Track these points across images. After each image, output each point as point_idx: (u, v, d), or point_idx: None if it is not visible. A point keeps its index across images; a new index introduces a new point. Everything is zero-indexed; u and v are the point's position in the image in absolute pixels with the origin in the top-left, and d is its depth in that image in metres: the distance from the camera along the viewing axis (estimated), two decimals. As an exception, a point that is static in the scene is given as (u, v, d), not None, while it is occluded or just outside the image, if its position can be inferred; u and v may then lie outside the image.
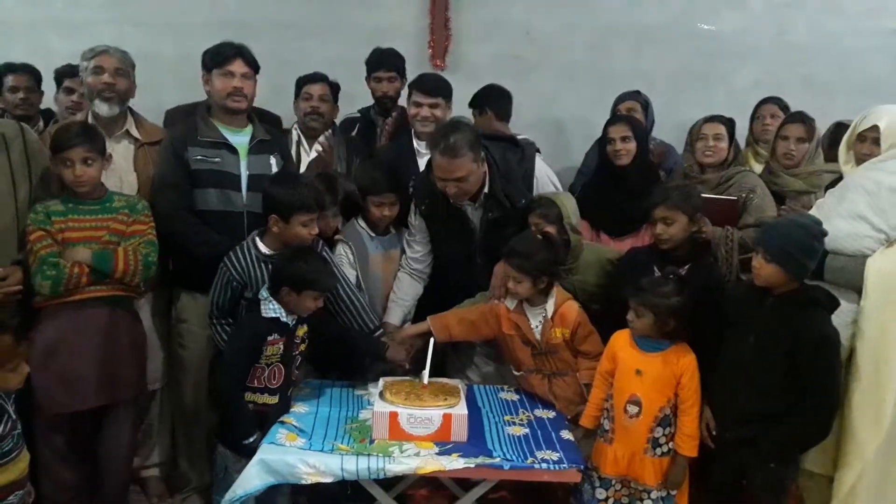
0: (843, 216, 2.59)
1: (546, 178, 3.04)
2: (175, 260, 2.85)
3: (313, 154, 3.41)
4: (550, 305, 2.69)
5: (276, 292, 2.51)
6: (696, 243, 2.75)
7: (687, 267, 2.68)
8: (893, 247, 2.51)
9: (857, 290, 2.51)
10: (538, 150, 3.10)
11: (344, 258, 2.98)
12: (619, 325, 2.56)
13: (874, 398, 2.46)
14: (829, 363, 2.35)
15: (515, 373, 2.86)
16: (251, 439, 2.41)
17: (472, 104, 3.76)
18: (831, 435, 2.45)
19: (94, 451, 2.81)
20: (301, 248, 2.61)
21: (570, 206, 2.86)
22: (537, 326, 2.71)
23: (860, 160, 2.70)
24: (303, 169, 3.32)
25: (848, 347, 2.51)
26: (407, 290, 3.08)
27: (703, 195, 3.08)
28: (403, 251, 3.12)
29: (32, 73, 3.60)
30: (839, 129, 3.61)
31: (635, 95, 3.84)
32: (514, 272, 2.65)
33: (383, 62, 3.63)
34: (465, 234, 2.95)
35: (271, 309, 2.50)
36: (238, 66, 2.88)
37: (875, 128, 2.64)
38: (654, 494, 2.49)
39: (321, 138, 3.31)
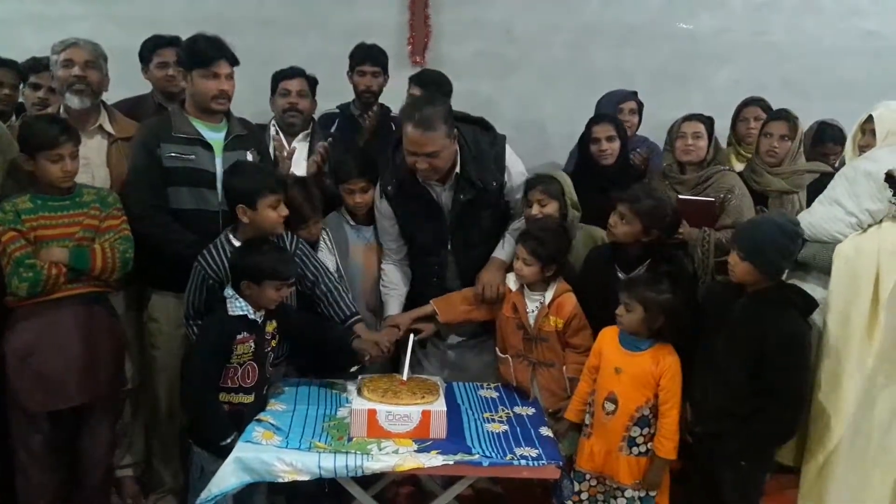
0: (822, 201, 2.67)
1: (516, 165, 2.93)
2: (146, 259, 2.79)
3: (295, 147, 3.35)
4: (550, 293, 2.72)
5: (237, 287, 2.47)
6: (651, 246, 2.69)
7: (648, 263, 2.67)
8: (864, 234, 2.55)
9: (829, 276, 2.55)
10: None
11: (322, 244, 2.95)
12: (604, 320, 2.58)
13: (836, 387, 2.49)
14: (795, 362, 2.34)
15: (500, 355, 2.86)
16: (229, 440, 2.36)
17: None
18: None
19: (71, 454, 2.75)
20: (254, 239, 2.55)
21: (569, 182, 2.87)
22: (532, 311, 2.73)
23: (862, 153, 2.75)
24: (300, 166, 3.26)
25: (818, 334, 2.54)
26: (399, 279, 3.00)
27: (681, 196, 3.11)
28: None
29: (18, 70, 3.51)
30: (822, 128, 3.69)
31: (634, 96, 3.86)
32: (526, 254, 2.66)
33: (369, 56, 3.61)
34: (434, 216, 2.88)
35: (238, 307, 2.45)
36: (224, 68, 2.79)
37: (871, 118, 2.69)
38: (628, 493, 2.49)
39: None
